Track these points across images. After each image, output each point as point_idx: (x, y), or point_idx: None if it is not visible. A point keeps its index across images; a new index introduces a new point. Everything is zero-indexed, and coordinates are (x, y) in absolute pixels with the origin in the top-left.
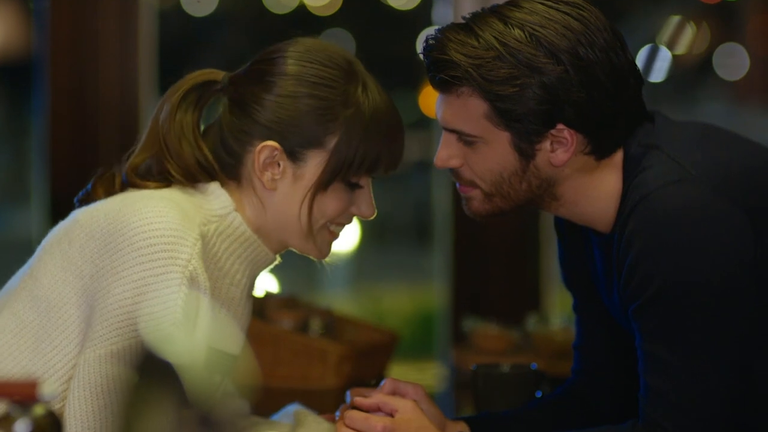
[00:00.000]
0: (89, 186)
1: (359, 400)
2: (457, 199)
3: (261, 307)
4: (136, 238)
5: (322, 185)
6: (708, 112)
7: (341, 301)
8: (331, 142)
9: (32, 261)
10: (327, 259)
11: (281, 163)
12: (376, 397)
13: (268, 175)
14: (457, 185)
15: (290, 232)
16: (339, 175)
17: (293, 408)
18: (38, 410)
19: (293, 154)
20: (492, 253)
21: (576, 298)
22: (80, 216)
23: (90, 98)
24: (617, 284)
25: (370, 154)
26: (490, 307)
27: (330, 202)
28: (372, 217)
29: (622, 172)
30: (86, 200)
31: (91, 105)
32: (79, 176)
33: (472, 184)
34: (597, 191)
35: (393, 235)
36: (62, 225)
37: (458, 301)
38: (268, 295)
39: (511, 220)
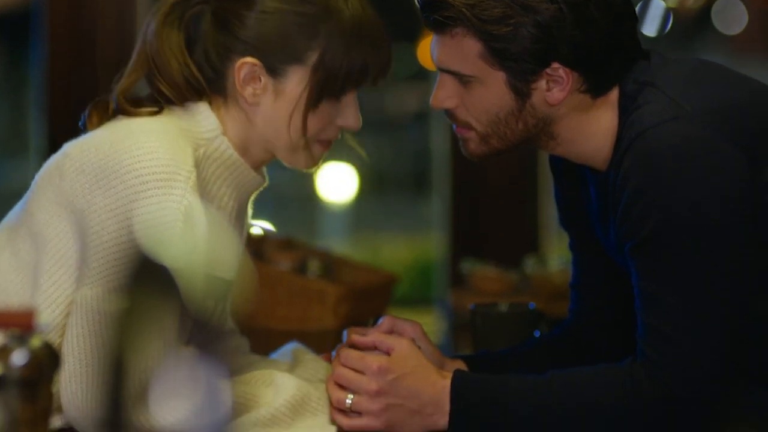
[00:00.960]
0: (86, 112)
1: (356, 338)
2: (455, 146)
3: (259, 248)
4: (128, 176)
5: (311, 103)
6: None
7: (340, 251)
8: (312, 57)
9: (27, 196)
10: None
11: (262, 78)
12: (372, 336)
13: (249, 90)
14: (454, 127)
15: (277, 146)
16: (327, 91)
17: (291, 347)
18: (35, 342)
19: (273, 70)
20: (490, 198)
21: (572, 237)
22: (70, 149)
23: (88, 49)
24: (613, 222)
25: (356, 66)
26: (488, 250)
27: (315, 118)
28: (357, 128)
29: (617, 110)
30: (84, 127)
31: (89, 56)
32: (77, 127)
33: (468, 126)
34: (593, 129)
35: (391, 185)
36: (54, 158)
37: (456, 245)
38: (266, 236)
39: (510, 164)
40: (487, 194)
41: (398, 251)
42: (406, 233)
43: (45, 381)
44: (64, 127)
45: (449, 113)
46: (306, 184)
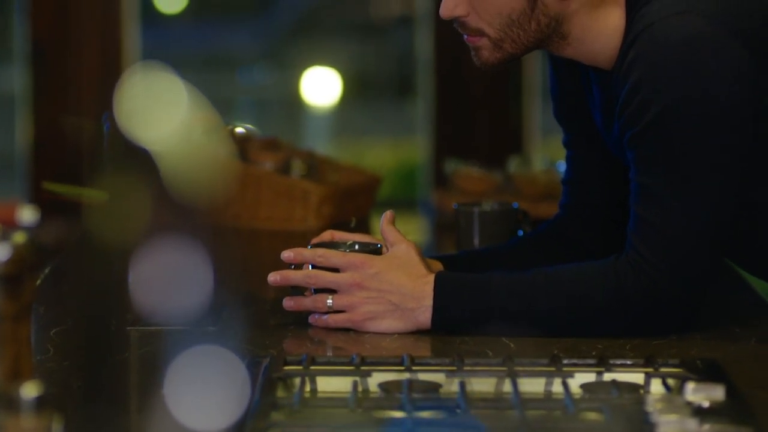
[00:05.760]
0: None
1: (388, 218)
2: (439, 49)
3: (243, 149)
4: None
5: None
6: None
7: (323, 153)
8: None
9: None
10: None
11: None
12: (389, 227)
13: None
14: (465, 37)
15: None
16: None
17: None
18: (19, 237)
19: None
20: (474, 100)
21: (567, 132)
22: None
23: None
24: (617, 117)
25: None
26: (472, 152)
27: None
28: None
29: (625, 8)
30: None
31: None
32: (61, 30)
33: (480, 33)
34: (601, 27)
35: (375, 89)
36: None
37: (440, 146)
38: (250, 136)
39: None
40: (471, 96)
41: (382, 155)
42: (390, 137)
43: (29, 277)
44: (48, 31)
45: (460, 22)
46: (289, 88)
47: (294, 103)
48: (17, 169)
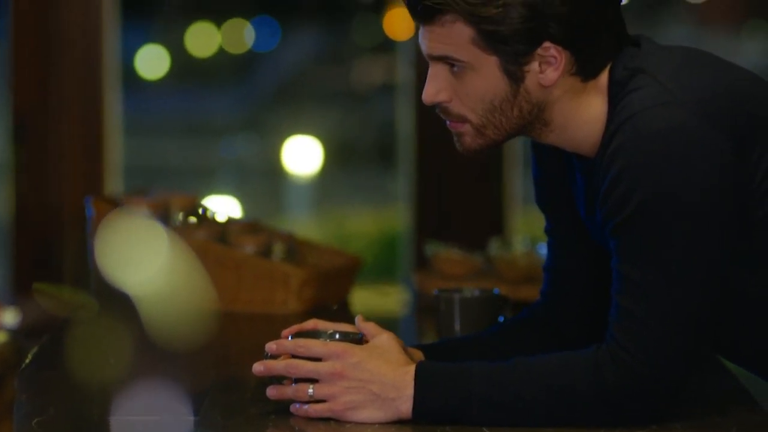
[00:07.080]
0: None
1: (361, 318)
2: (420, 120)
3: (223, 232)
4: None
5: None
6: (672, 35)
7: (305, 224)
8: None
9: None
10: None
11: None
12: (368, 324)
13: None
14: (447, 123)
15: None
16: None
17: None
18: (0, 337)
19: None
20: (455, 178)
21: (549, 219)
22: None
23: (52, 20)
24: (600, 204)
25: None
26: (452, 232)
27: None
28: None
29: (607, 97)
30: None
31: (54, 27)
32: (42, 98)
33: (463, 119)
34: (584, 116)
35: (357, 157)
36: None
37: (421, 225)
38: (231, 220)
39: None
40: (452, 174)
41: (364, 224)
42: (371, 206)
43: (10, 375)
44: (30, 104)
45: (442, 108)
46: (271, 158)
47: (275, 172)
48: None
